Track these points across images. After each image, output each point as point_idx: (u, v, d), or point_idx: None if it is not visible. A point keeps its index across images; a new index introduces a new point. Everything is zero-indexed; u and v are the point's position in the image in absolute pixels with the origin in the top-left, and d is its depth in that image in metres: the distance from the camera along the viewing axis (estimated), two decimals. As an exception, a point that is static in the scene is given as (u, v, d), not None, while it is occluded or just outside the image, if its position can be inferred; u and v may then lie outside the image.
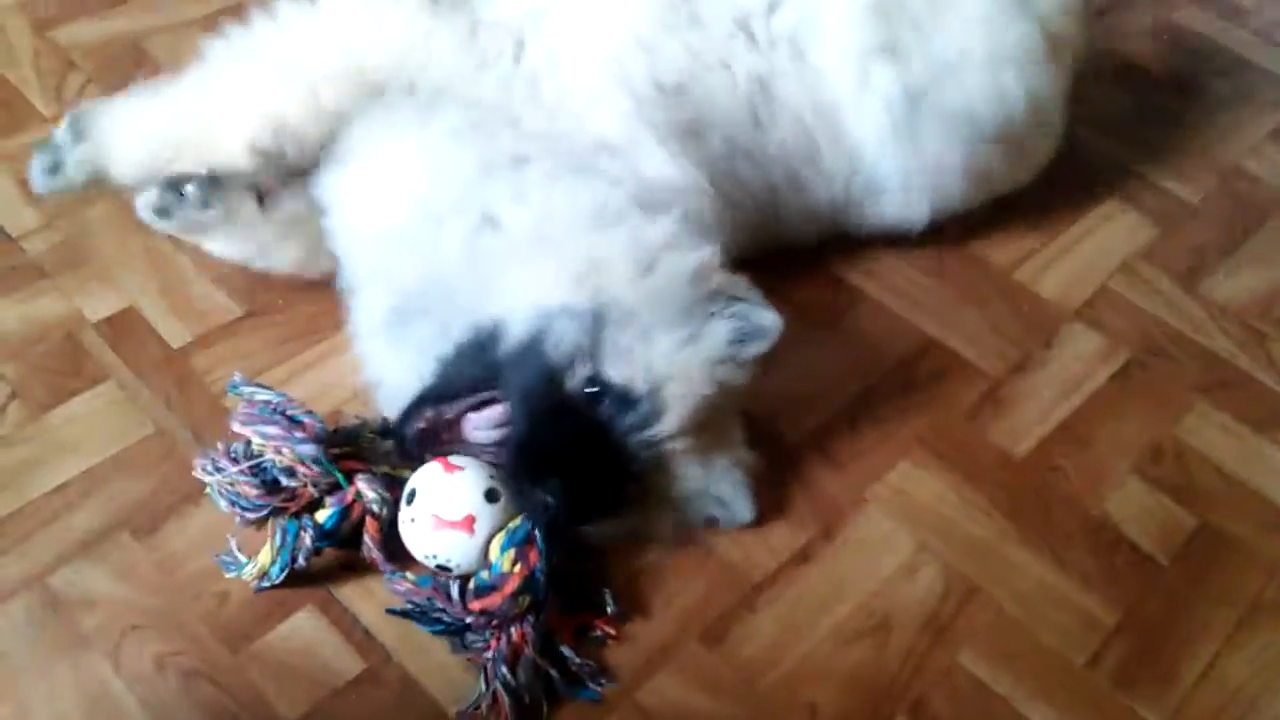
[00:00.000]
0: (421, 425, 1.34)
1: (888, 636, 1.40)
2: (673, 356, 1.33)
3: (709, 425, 1.39)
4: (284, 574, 1.34)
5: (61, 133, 1.58)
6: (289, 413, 1.38)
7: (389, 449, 1.43)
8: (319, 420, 1.38)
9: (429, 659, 1.32)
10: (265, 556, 1.34)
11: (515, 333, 1.34)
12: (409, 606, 1.33)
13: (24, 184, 1.74)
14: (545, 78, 1.56)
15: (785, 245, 1.75)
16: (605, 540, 1.41)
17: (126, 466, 1.47)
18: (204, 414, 1.52)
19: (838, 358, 1.69)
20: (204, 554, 1.39)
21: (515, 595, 1.28)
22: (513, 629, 1.30)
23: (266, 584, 1.35)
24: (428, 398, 1.35)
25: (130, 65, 1.96)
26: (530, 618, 1.30)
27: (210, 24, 2.00)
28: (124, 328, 1.61)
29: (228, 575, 1.35)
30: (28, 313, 1.61)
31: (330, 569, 1.38)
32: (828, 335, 1.72)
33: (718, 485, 1.43)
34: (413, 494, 1.35)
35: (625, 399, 1.32)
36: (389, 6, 1.57)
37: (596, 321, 1.33)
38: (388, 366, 1.46)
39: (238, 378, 1.44)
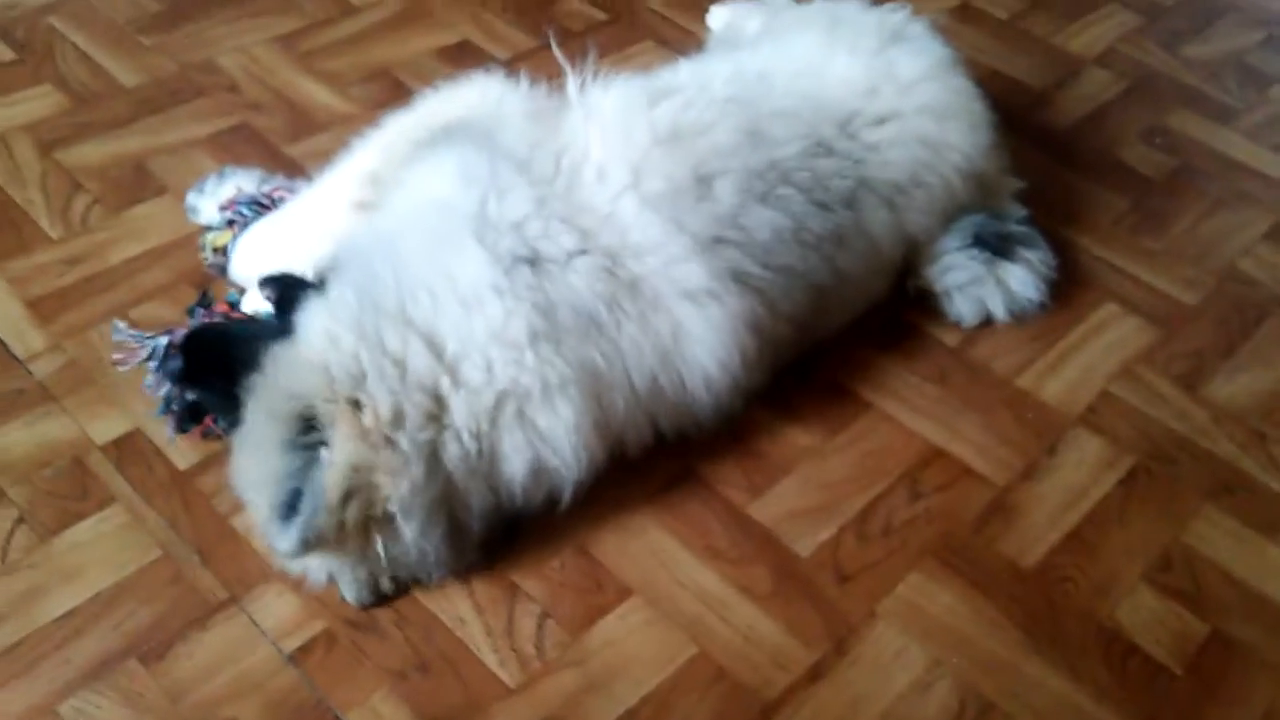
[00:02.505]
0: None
1: (904, 757, 1.39)
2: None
3: None
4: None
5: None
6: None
7: None
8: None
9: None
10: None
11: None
12: None
13: (30, 306, 1.77)
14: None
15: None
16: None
17: (133, 591, 1.46)
18: (211, 536, 1.52)
19: (844, 469, 1.69)
20: (212, 679, 1.39)
21: None
22: None
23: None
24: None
25: (135, 186, 1.99)
26: None
27: (212, 144, 2.07)
28: (130, 450, 1.61)
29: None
30: (35, 436, 1.62)
31: (338, 684, 1.38)
32: (833, 446, 1.72)
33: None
34: None
35: None
36: (470, 82, 1.72)
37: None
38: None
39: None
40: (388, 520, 1.37)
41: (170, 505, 1.55)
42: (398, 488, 1.36)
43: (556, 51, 1.69)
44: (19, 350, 1.72)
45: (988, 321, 1.91)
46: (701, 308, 1.52)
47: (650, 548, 1.57)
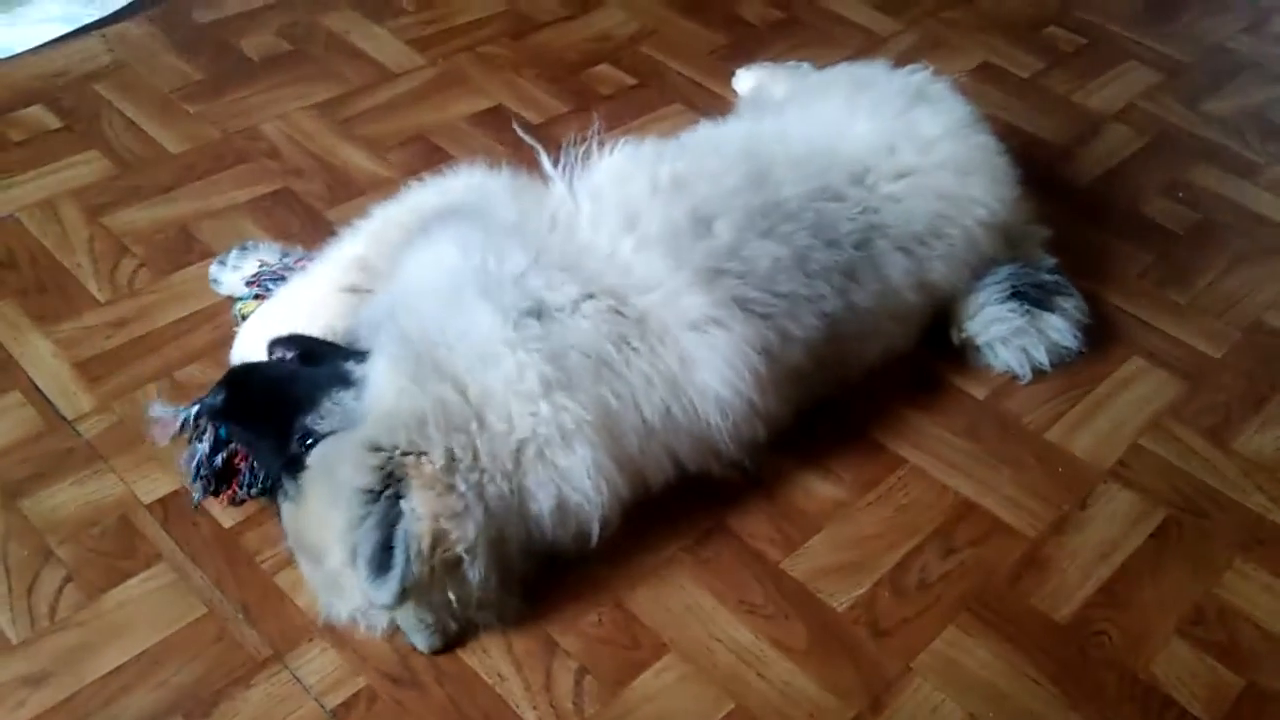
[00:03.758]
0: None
1: (944, 814, 1.40)
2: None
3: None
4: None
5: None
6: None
7: None
8: None
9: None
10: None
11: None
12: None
13: (79, 368, 1.81)
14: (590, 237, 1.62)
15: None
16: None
17: (179, 649, 1.49)
18: (255, 594, 1.55)
19: (877, 524, 1.71)
20: (256, 737, 1.41)
21: None
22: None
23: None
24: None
25: (180, 250, 2.04)
26: None
27: (255, 208, 2.12)
28: (176, 509, 1.64)
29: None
30: (83, 495, 1.65)
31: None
32: (865, 501, 1.74)
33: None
34: None
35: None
36: (453, 172, 1.78)
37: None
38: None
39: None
40: (456, 563, 1.41)
41: (215, 563, 1.58)
42: (464, 531, 1.40)
43: (525, 136, 1.77)
44: (67, 411, 1.76)
45: (1012, 375, 1.94)
46: (706, 335, 1.56)
47: (685, 603, 1.59)
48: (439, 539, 1.39)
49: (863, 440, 1.82)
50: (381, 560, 1.37)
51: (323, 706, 1.44)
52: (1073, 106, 2.65)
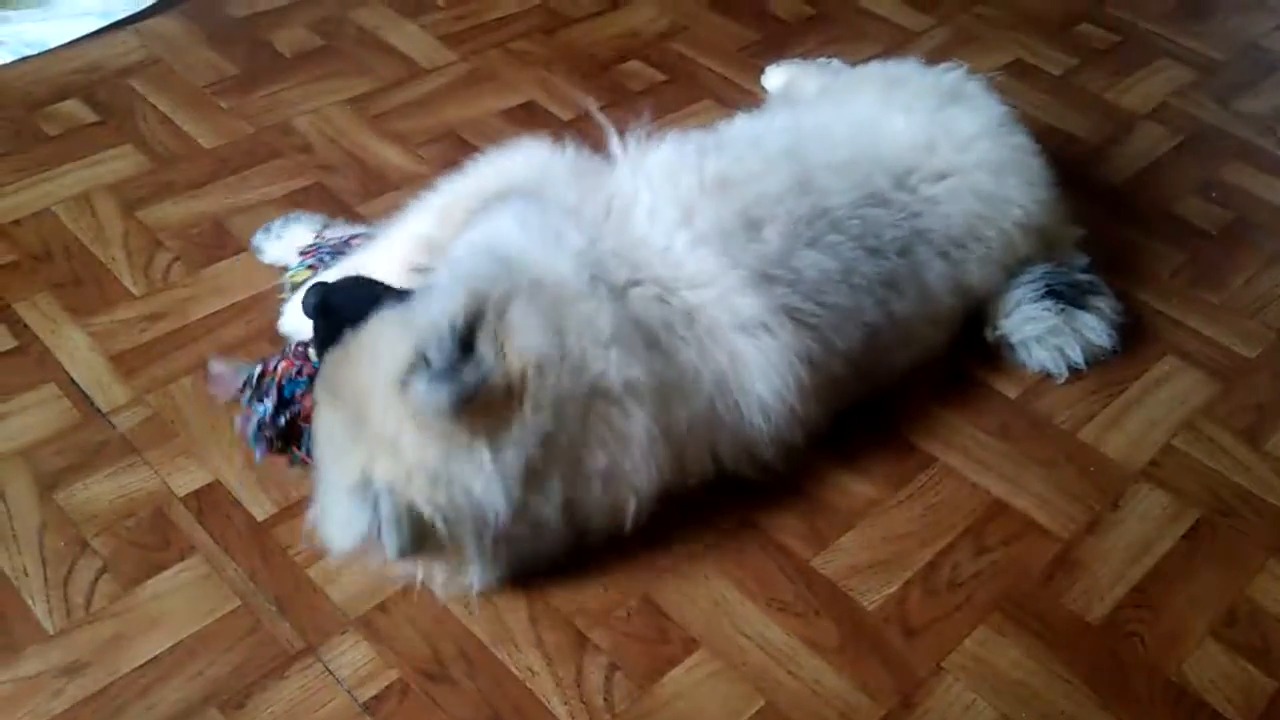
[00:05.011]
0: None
1: (974, 814, 1.40)
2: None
3: None
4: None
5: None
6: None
7: None
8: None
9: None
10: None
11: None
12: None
13: (114, 360, 1.82)
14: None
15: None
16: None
17: (213, 641, 1.50)
18: (289, 587, 1.56)
19: (908, 523, 1.70)
20: (290, 729, 1.42)
21: None
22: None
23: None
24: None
25: (214, 244, 2.05)
26: None
27: (288, 203, 2.13)
28: (210, 501, 1.65)
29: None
30: (117, 487, 1.66)
31: (416, 745, 1.40)
32: (897, 500, 1.74)
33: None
34: None
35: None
36: (517, 147, 1.79)
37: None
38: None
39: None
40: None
41: (249, 556, 1.59)
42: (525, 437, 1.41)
43: (599, 116, 1.76)
44: (102, 404, 1.77)
45: (1047, 374, 1.93)
46: (755, 339, 1.56)
47: (715, 599, 1.59)
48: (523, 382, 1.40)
49: (894, 438, 1.82)
50: (450, 369, 1.36)
51: (355, 699, 1.45)
52: (1105, 104, 2.64)
